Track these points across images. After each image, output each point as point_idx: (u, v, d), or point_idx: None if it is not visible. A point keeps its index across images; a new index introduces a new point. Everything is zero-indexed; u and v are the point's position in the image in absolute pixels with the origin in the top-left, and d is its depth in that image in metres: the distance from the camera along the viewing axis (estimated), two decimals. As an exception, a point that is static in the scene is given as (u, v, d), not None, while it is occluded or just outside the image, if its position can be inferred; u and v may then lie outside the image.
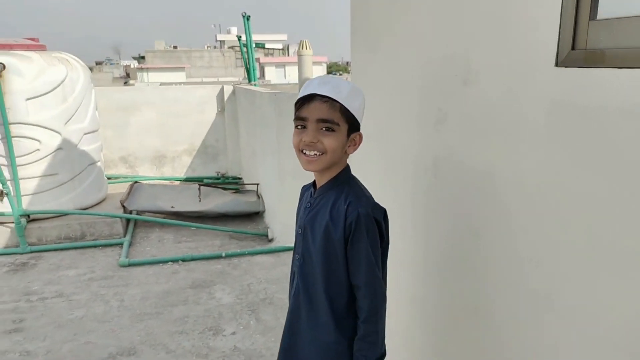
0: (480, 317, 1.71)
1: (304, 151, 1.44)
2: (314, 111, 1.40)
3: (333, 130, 1.41)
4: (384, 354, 1.49)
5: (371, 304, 1.44)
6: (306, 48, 5.25)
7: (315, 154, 1.43)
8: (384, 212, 1.47)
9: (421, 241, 2.10)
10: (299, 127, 1.45)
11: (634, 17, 1.07)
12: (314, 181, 1.62)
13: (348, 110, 1.42)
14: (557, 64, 1.27)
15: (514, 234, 1.49)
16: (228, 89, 7.51)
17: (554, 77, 1.28)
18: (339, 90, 1.42)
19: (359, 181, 1.55)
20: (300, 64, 5.36)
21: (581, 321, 1.25)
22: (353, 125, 1.46)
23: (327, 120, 1.40)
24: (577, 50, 1.21)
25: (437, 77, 1.85)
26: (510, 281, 1.52)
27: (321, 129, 1.41)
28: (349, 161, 1.61)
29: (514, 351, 1.54)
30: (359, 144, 1.52)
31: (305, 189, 1.73)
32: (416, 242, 2.14)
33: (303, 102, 1.42)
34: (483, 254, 1.67)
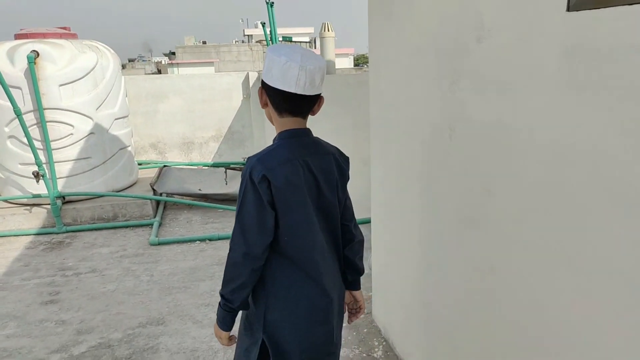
0: (496, 276, 1.71)
1: None
2: None
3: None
4: (223, 296, 1.54)
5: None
6: (328, 30, 5.25)
7: None
8: (262, 171, 1.42)
9: (437, 206, 2.11)
10: None
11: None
12: None
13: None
14: (568, 9, 1.26)
15: (528, 190, 1.49)
16: (253, 76, 7.60)
17: (565, 22, 1.27)
18: None
19: (282, 142, 1.53)
20: (322, 46, 5.37)
21: (596, 274, 1.25)
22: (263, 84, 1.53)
23: None
24: (586, -11, 1.20)
25: (452, 38, 1.85)
26: (525, 238, 1.53)
27: None
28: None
29: (529, 308, 1.54)
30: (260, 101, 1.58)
31: None
32: (432, 206, 2.15)
33: None
34: (497, 212, 1.67)
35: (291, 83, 1.43)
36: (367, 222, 4.95)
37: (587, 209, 1.25)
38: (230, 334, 1.62)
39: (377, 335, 2.96)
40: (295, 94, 1.45)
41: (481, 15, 1.65)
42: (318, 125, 4.63)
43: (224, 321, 1.57)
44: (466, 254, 1.90)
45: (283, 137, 1.53)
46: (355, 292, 1.80)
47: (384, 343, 2.88)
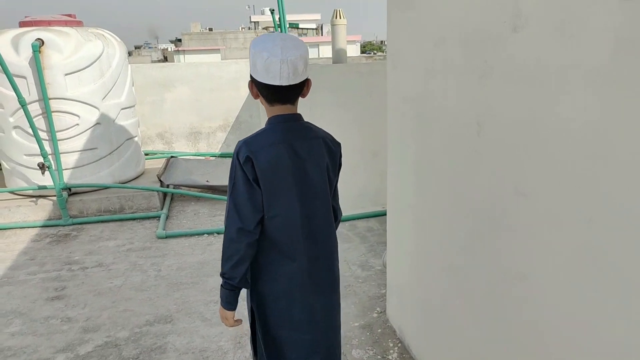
0: (527, 284, 1.59)
1: None
2: None
3: None
4: (224, 275, 1.63)
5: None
6: (340, 17, 5.08)
7: None
8: (246, 153, 1.53)
9: (462, 207, 1.98)
10: None
11: None
12: None
13: None
14: (624, -6, 1.12)
15: (567, 194, 1.36)
16: (261, 64, 7.45)
17: (623, 10, 1.13)
18: None
19: (270, 126, 1.62)
20: (333, 34, 5.20)
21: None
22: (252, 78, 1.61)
23: None
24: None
25: (482, 27, 1.71)
26: (561, 244, 1.40)
27: None
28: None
29: (563, 321, 1.42)
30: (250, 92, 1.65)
31: None
32: (455, 206, 2.03)
33: None
34: (530, 216, 1.55)
35: (275, 76, 1.51)
36: (377, 215, 4.86)
37: (634, 216, 1.12)
38: (236, 318, 1.71)
39: (392, 336, 2.86)
40: (281, 86, 1.53)
41: (517, 2, 1.51)
42: (328, 115, 4.53)
43: (228, 300, 1.66)
44: (493, 258, 1.78)
45: (272, 122, 1.62)
46: None
47: (399, 345, 2.77)
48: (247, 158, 1.52)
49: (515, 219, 1.62)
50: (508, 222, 1.67)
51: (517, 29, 1.53)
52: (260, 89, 1.58)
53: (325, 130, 1.73)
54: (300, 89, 1.60)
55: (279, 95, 1.57)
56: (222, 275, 1.63)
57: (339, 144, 1.73)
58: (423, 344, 2.54)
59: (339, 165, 1.74)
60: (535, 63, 1.45)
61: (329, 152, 1.67)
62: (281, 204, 1.59)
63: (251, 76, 1.59)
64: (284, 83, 1.52)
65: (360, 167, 4.75)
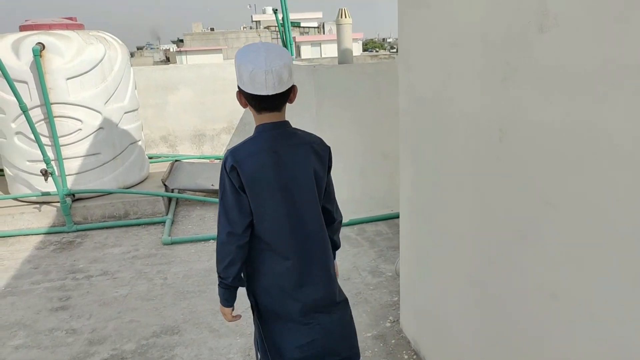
0: (557, 303, 1.50)
1: None
2: None
3: None
4: (219, 275, 1.76)
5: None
6: (345, 16, 4.98)
7: None
8: (232, 162, 1.62)
9: (484, 217, 1.88)
10: None
11: None
12: None
13: None
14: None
15: (601, 206, 1.27)
16: (265, 65, 7.35)
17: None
18: None
19: (256, 134, 1.69)
20: (339, 33, 5.09)
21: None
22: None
23: None
24: None
25: (504, 26, 1.61)
26: (599, 263, 1.30)
27: None
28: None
29: (600, 345, 1.32)
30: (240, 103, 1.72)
31: None
32: (477, 218, 1.93)
33: None
34: (560, 229, 1.45)
35: (261, 87, 1.58)
36: (387, 218, 4.76)
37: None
38: (235, 313, 1.84)
39: (407, 348, 2.77)
40: (268, 95, 1.59)
41: (544, 0, 1.41)
42: (335, 116, 4.43)
43: (224, 297, 1.79)
44: (520, 273, 1.68)
45: (259, 131, 1.69)
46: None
47: (415, 357, 2.68)
48: (232, 167, 1.62)
49: (543, 232, 1.52)
50: (535, 235, 1.57)
51: (544, 28, 1.43)
52: (248, 99, 1.66)
53: (315, 134, 1.81)
54: (287, 96, 1.67)
55: (266, 104, 1.64)
56: (218, 275, 1.76)
57: (327, 148, 1.79)
58: (440, 358, 2.44)
59: (328, 168, 1.80)
60: (566, 65, 1.35)
61: (316, 156, 1.73)
62: (268, 209, 1.68)
63: (238, 87, 1.66)
64: (270, 92, 1.59)
65: (369, 169, 4.66)
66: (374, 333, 2.93)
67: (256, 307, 1.83)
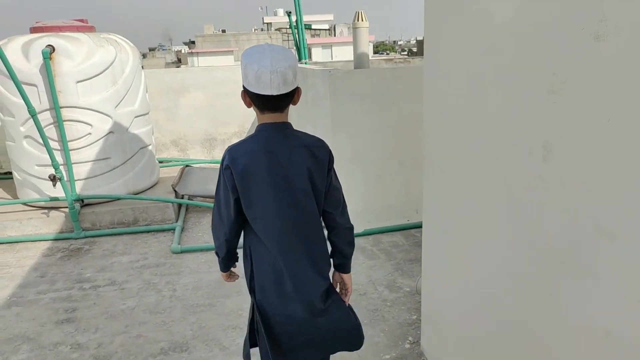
0: (612, 344, 1.33)
1: None
2: None
3: None
4: (217, 254, 1.92)
5: None
6: (362, 20, 4.83)
7: None
8: (227, 162, 1.68)
9: (522, 245, 1.71)
10: None
11: None
12: None
13: None
14: None
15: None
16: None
17: None
18: None
19: (256, 133, 1.73)
20: (355, 37, 4.94)
21: None
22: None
23: None
24: None
25: (552, 32, 1.45)
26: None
27: None
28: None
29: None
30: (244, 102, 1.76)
31: None
32: (514, 245, 1.76)
33: None
34: (616, 259, 1.29)
35: (266, 87, 1.61)
36: (403, 228, 4.59)
37: None
38: (231, 273, 2.02)
39: (429, 372, 2.61)
40: (272, 95, 1.62)
41: (601, 4, 1.26)
42: (352, 122, 4.27)
43: (220, 264, 1.97)
44: (566, 307, 1.51)
45: (259, 130, 1.73)
46: (344, 275, 1.97)
47: (438, 382, 2.52)
48: (226, 166, 1.68)
49: (596, 263, 1.36)
50: (586, 266, 1.41)
51: (601, 37, 1.27)
52: (252, 99, 1.69)
53: (317, 136, 1.81)
54: (291, 97, 1.70)
55: (270, 104, 1.68)
56: (214, 247, 1.91)
57: (326, 151, 1.79)
58: (466, 384, 2.28)
59: (327, 170, 1.78)
60: (626, 80, 1.19)
61: (313, 158, 1.73)
62: (259, 208, 1.71)
63: (243, 86, 1.69)
64: (275, 92, 1.62)
65: (386, 177, 4.49)
66: (393, 355, 2.77)
67: (253, 299, 1.88)
